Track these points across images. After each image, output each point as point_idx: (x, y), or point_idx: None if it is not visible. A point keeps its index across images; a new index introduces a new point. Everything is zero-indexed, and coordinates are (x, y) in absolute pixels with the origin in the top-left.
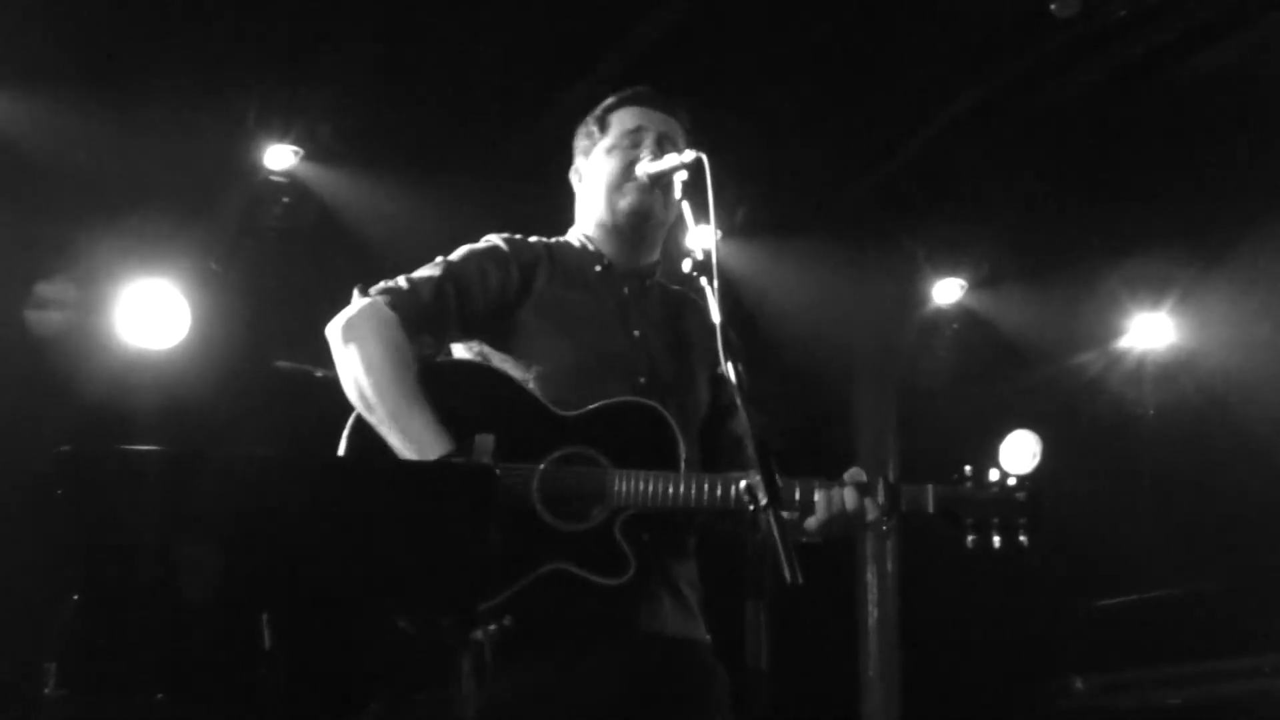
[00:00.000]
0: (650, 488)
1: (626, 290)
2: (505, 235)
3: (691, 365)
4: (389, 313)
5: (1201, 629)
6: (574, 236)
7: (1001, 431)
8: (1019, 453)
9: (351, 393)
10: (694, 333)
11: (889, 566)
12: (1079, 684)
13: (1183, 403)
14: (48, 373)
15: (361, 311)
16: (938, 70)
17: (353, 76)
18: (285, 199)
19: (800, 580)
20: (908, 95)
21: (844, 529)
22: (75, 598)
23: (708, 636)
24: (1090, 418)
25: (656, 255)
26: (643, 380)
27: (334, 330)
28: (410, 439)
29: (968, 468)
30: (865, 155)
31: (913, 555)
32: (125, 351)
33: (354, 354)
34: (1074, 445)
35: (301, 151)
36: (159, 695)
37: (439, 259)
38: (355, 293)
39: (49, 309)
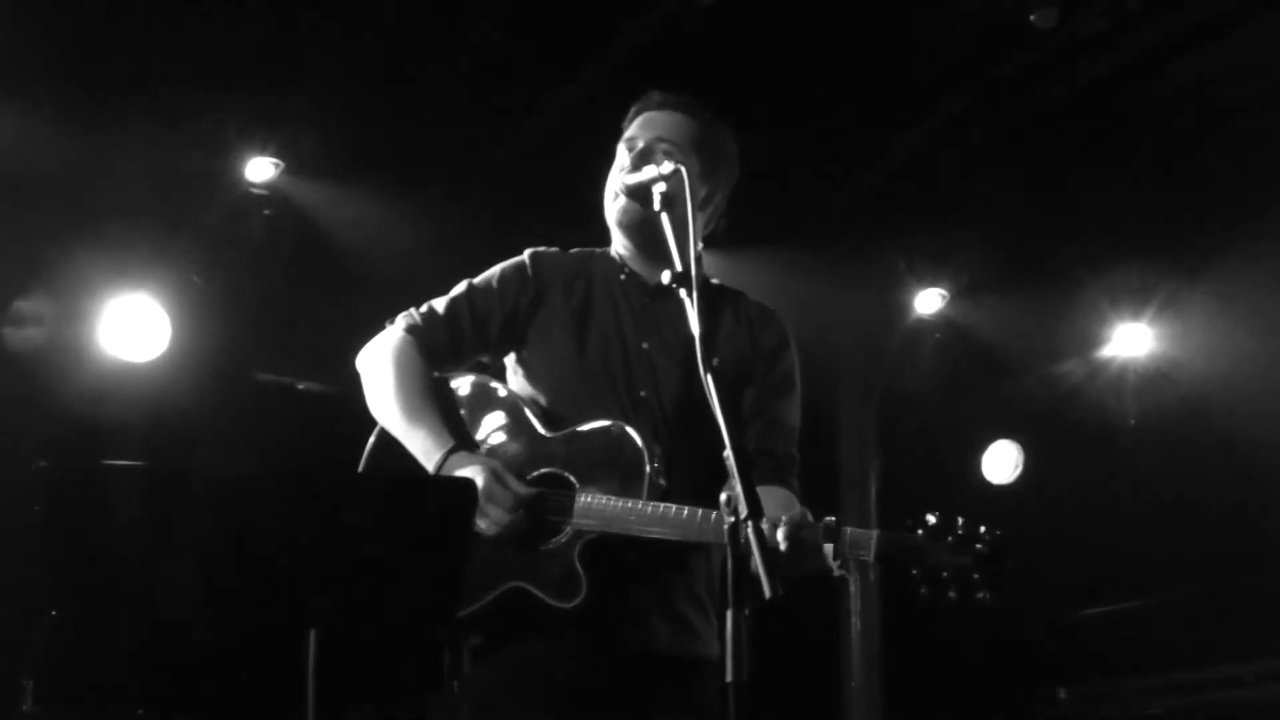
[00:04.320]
0: (608, 512)
1: (647, 299)
2: (535, 250)
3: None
4: (404, 336)
5: (1184, 638)
6: (612, 247)
7: (984, 441)
8: (1001, 462)
9: (375, 412)
10: (723, 338)
11: (872, 576)
12: (1062, 694)
13: (1164, 412)
14: (28, 387)
15: (378, 340)
16: (919, 80)
17: (333, 88)
18: (266, 211)
19: (780, 592)
20: (889, 105)
21: (790, 567)
22: (53, 614)
23: (715, 649)
24: (1072, 427)
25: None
26: (643, 394)
27: (358, 361)
28: (412, 440)
29: (930, 517)
30: (847, 165)
31: None
32: (106, 365)
33: (369, 377)
34: (1056, 455)
35: (282, 164)
36: (138, 711)
37: (465, 281)
38: (386, 324)
39: (26, 326)
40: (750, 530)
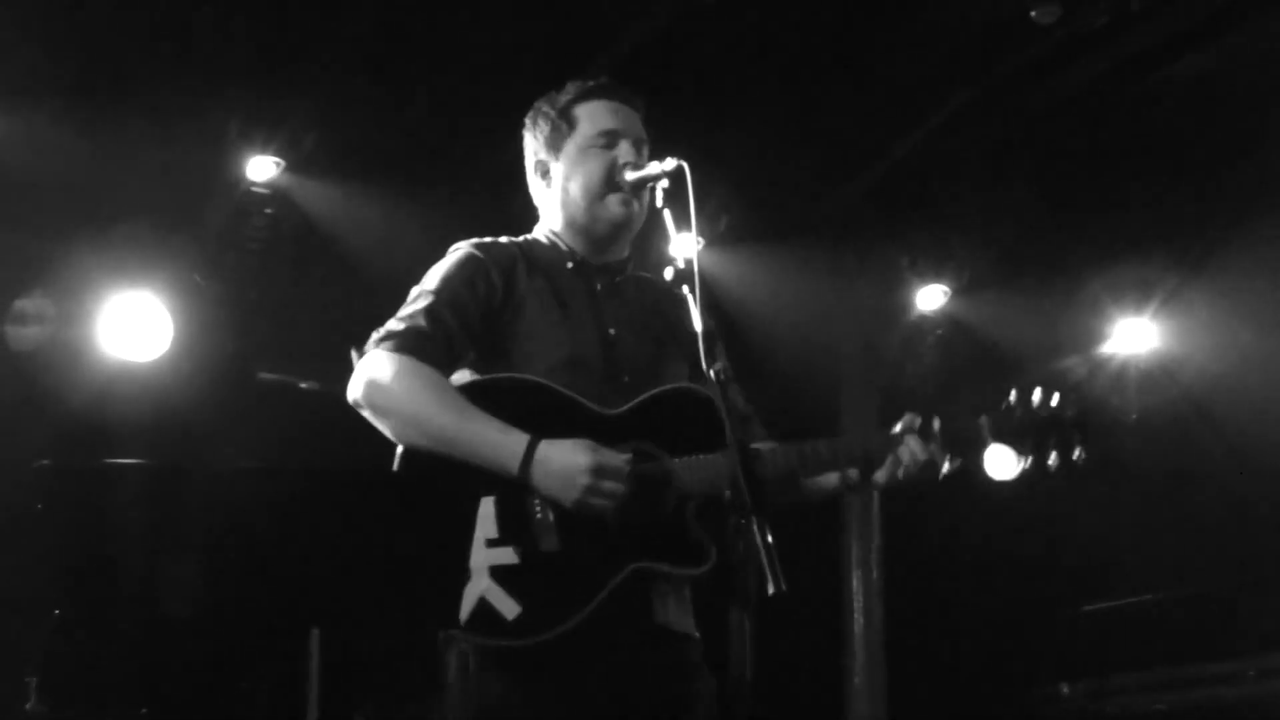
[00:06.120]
0: (709, 471)
1: (599, 286)
2: (475, 241)
3: (670, 358)
4: (403, 357)
5: (1187, 633)
6: (541, 234)
7: None
8: (1003, 457)
9: (407, 438)
10: (672, 324)
11: (874, 573)
12: (1066, 690)
13: (1166, 407)
14: (30, 385)
15: (371, 365)
16: (920, 77)
17: (335, 87)
18: (268, 210)
19: (785, 589)
20: (890, 102)
21: (913, 480)
22: (56, 612)
23: (697, 633)
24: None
25: (627, 252)
26: (626, 379)
27: (355, 394)
28: (479, 447)
29: (1013, 392)
30: (848, 162)
31: (898, 561)
32: (108, 364)
33: (389, 404)
34: None
35: (284, 163)
36: (142, 710)
37: (417, 290)
38: (353, 354)
39: (28, 325)
40: (755, 525)
